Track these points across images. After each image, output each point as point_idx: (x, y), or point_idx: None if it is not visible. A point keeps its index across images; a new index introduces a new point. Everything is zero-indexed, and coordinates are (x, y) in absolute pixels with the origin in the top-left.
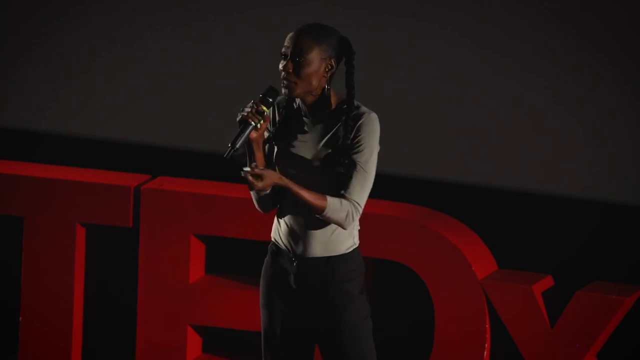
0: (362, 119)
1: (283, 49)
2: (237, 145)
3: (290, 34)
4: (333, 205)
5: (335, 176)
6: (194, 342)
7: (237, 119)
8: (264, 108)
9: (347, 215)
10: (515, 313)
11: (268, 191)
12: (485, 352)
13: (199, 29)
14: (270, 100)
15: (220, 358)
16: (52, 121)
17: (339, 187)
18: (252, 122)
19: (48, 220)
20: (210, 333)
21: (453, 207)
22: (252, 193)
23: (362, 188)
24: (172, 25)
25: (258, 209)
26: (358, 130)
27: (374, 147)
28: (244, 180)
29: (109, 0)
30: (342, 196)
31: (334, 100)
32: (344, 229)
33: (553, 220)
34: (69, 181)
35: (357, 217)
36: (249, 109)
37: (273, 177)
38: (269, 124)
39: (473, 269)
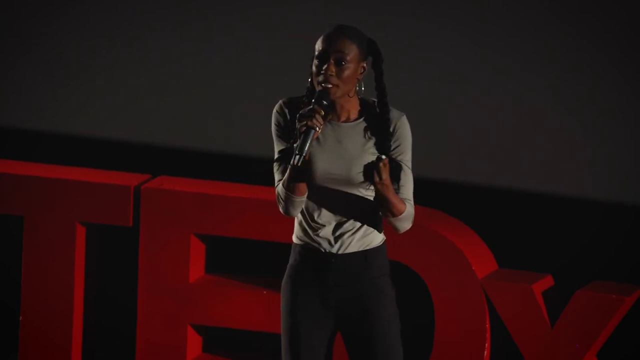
0: (400, 121)
1: (319, 51)
2: (305, 152)
3: (327, 36)
4: (409, 210)
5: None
6: (194, 342)
7: (300, 126)
8: (323, 112)
9: (411, 221)
10: (515, 313)
11: (304, 197)
12: (485, 352)
13: (199, 29)
14: (325, 103)
15: (220, 358)
16: (52, 121)
17: (395, 189)
18: (317, 128)
19: (48, 220)
20: (210, 333)
21: (453, 207)
22: (284, 196)
23: (411, 187)
24: (172, 25)
25: (286, 212)
26: (397, 132)
27: (411, 144)
28: (244, 180)
29: (109, 0)
30: (402, 198)
31: (360, 103)
32: (400, 232)
33: (553, 220)
34: (69, 181)
35: (413, 220)
36: (311, 115)
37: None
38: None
39: (473, 269)
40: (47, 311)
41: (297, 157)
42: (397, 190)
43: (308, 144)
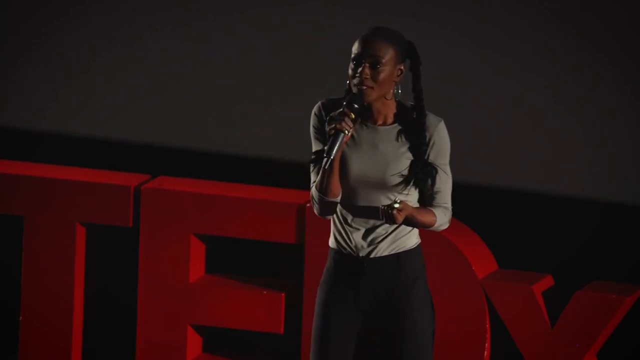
0: (438, 126)
1: (355, 54)
2: (333, 155)
3: (363, 38)
4: (440, 219)
5: (416, 182)
6: (194, 342)
7: (329, 129)
8: (353, 115)
9: (448, 222)
10: (515, 313)
11: (338, 199)
12: (485, 352)
13: (199, 29)
14: (357, 106)
15: (220, 358)
16: (52, 121)
17: (431, 195)
18: (346, 131)
19: (48, 220)
20: (210, 333)
21: (453, 207)
22: (317, 199)
23: (449, 191)
24: (172, 25)
25: (321, 214)
26: (435, 136)
27: (449, 149)
28: (242, 180)
29: (109, 0)
30: (439, 203)
31: (398, 106)
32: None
33: (553, 220)
34: (69, 181)
35: (450, 219)
36: (341, 118)
37: (409, 208)
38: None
39: (473, 269)
40: (47, 311)
41: (325, 159)
42: (433, 196)
43: (337, 147)
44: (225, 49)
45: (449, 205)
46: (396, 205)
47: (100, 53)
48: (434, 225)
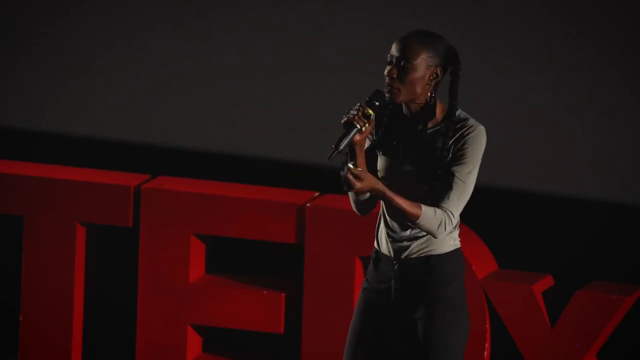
0: (471, 131)
1: (389, 54)
2: (341, 148)
3: (398, 39)
4: (427, 214)
5: (432, 185)
6: (194, 342)
7: (342, 121)
8: (370, 111)
9: (439, 225)
10: (515, 313)
11: (367, 196)
12: (485, 352)
13: (199, 29)
14: (377, 103)
15: (220, 358)
16: (52, 121)
17: (437, 196)
18: (358, 125)
19: (48, 220)
20: (210, 333)
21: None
22: (350, 195)
23: (459, 200)
24: (172, 25)
25: (355, 211)
26: (465, 142)
27: (477, 161)
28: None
29: (109, 0)
30: (438, 205)
31: (439, 110)
32: (434, 237)
33: (553, 220)
34: (69, 181)
35: (449, 227)
36: (355, 112)
37: (371, 180)
38: (372, 130)
39: (473, 269)
40: (47, 311)
41: (332, 150)
42: (435, 195)
43: (346, 141)
44: (225, 49)
45: (452, 212)
46: (350, 165)
47: (100, 53)
48: (417, 219)
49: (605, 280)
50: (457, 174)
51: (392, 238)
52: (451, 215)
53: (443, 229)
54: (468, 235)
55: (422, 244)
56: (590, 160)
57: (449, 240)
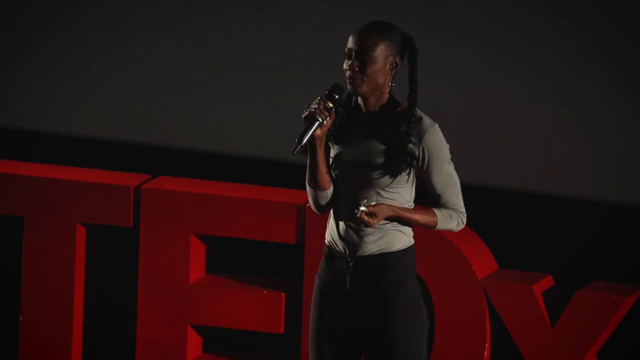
0: (429, 130)
1: (347, 48)
2: (304, 142)
3: (354, 32)
4: (443, 218)
5: (395, 172)
6: (194, 342)
7: (303, 116)
8: (330, 104)
9: (457, 223)
10: (515, 313)
11: (328, 196)
12: (485, 352)
13: (199, 29)
14: (337, 97)
15: (220, 358)
16: (52, 121)
17: (435, 197)
18: (319, 119)
19: (48, 220)
20: (210, 333)
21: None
22: (309, 193)
23: (457, 192)
24: (172, 25)
25: (315, 210)
26: (427, 141)
27: (447, 152)
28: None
29: (109, 0)
30: (443, 205)
31: (390, 99)
32: (454, 231)
33: (553, 220)
34: (69, 181)
35: (465, 220)
36: (316, 106)
37: (385, 210)
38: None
39: (473, 269)
40: (47, 311)
41: (295, 145)
42: (437, 198)
43: (308, 135)
44: (225, 48)
45: (458, 206)
46: (362, 208)
47: (100, 53)
48: (435, 225)
49: (605, 280)
50: (443, 174)
51: (347, 235)
52: (461, 209)
53: (461, 223)
54: (468, 235)
55: (375, 240)
56: (590, 160)
57: (403, 238)
